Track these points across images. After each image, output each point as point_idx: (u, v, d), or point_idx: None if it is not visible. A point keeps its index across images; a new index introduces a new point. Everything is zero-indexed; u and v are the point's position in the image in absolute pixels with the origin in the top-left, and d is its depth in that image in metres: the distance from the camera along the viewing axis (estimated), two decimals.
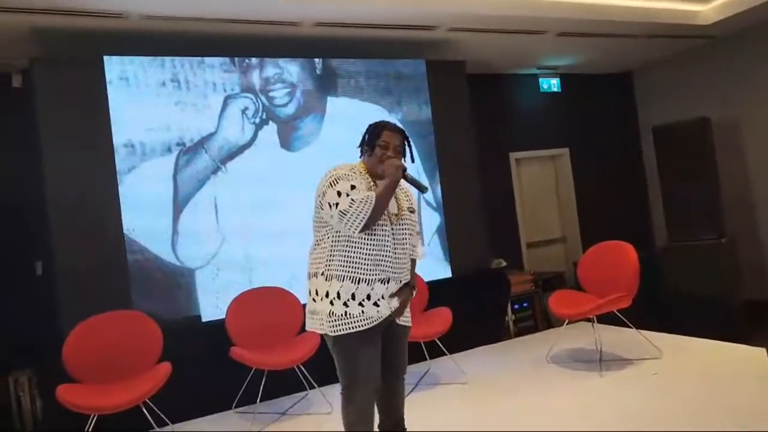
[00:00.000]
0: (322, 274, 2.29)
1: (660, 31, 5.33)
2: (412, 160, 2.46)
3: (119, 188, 3.79)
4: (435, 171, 4.89)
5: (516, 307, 5.30)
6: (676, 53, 6.19)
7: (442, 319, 3.83)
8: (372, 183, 2.35)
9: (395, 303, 2.34)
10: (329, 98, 4.55)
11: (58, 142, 3.68)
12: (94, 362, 3.20)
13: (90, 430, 3.02)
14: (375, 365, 2.31)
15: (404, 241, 2.37)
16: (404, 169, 2.32)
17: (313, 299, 2.34)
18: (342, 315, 2.24)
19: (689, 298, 4.88)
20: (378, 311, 2.28)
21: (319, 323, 2.31)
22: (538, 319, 5.43)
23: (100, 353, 3.24)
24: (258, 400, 3.48)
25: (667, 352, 3.95)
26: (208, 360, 3.62)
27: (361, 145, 2.43)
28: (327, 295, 2.26)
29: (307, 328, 2.41)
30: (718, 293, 4.76)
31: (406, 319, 2.47)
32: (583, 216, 6.55)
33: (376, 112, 4.65)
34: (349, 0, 3.87)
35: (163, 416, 3.29)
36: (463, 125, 5.07)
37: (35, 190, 3.84)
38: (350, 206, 2.19)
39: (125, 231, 3.78)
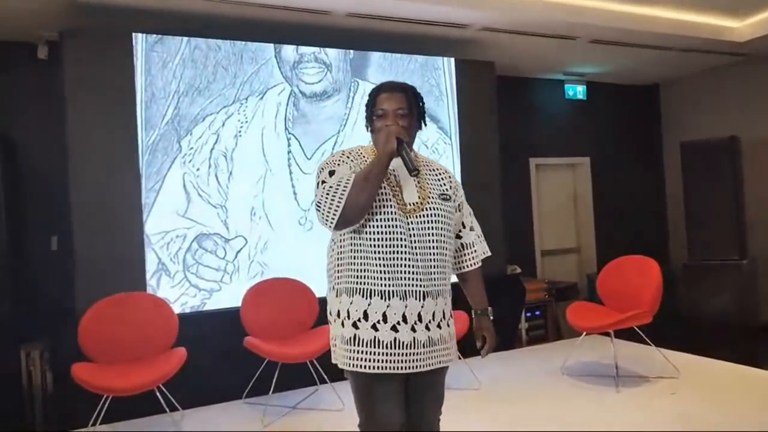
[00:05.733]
0: (333, 288, 1.85)
1: (693, 45, 5.25)
2: (424, 123, 1.93)
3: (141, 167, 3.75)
4: (458, 172, 4.83)
5: (528, 315, 5.25)
6: (706, 69, 6.11)
7: (460, 323, 3.77)
8: None
9: (436, 332, 1.78)
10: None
11: (82, 115, 3.63)
12: (108, 342, 3.17)
13: (103, 410, 2.99)
14: (396, 410, 1.80)
15: (431, 240, 1.77)
16: (400, 140, 1.75)
17: (330, 321, 1.89)
18: (350, 340, 1.76)
19: (706, 317, 4.83)
20: (400, 354, 1.73)
21: (334, 351, 1.87)
22: (549, 329, 5.38)
23: (116, 334, 3.21)
24: (270, 392, 3.44)
25: (684, 372, 3.89)
26: (221, 348, 3.59)
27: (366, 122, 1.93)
28: (338, 315, 1.82)
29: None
30: (736, 315, 4.71)
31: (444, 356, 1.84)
32: (599, 227, 6.48)
33: None
34: None
35: (174, 401, 3.25)
36: (488, 127, 5.00)
37: (54, 162, 3.81)
38: (323, 195, 1.73)
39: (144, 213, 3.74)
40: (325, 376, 3.65)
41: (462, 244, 1.97)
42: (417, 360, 1.77)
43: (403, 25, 4.34)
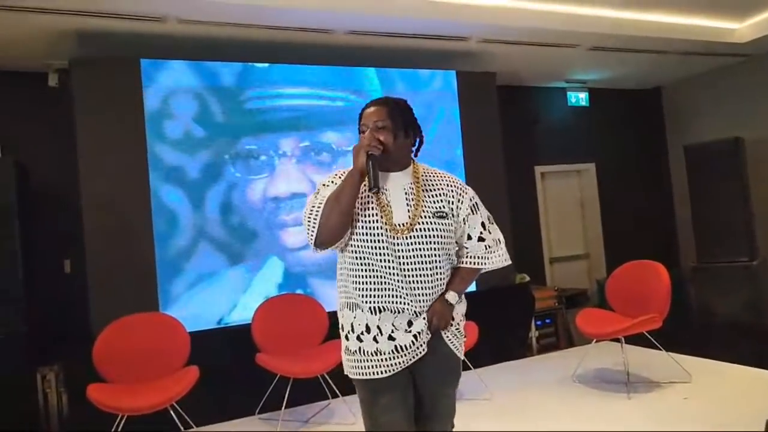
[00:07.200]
0: (339, 303, 1.92)
1: (694, 49, 5.27)
2: (419, 140, 1.90)
3: (150, 190, 3.83)
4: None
5: (539, 323, 5.24)
6: (707, 71, 6.13)
7: (468, 333, 3.77)
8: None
9: (422, 335, 1.80)
10: None
11: (93, 141, 3.74)
12: (123, 362, 3.22)
13: (119, 430, 3.03)
14: (396, 419, 1.82)
15: (420, 260, 1.77)
16: (369, 154, 1.74)
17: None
18: (355, 351, 1.82)
19: (717, 319, 4.80)
20: (393, 356, 1.79)
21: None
22: (560, 337, 5.36)
23: (130, 354, 3.26)
24: (283, 408, 3.47)
25: (696, 376, 3.86)
26: (233, 365, 3.63)
27: None
28: (342, 328, 1.89)
29: None
30: (747, 316, 4.67)
31: (451, 340, 1.87)
32: (607, 232, 6.48)
33: None
34: (381, 9, 3.88)
35: (188, 419, 3.29)
36: (491, 137, 5.04)
37: (66, 188, 3.90)
38: (304, 217, 1.80)
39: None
40: (337, 390, 3.66)
41: (465, 250, 1.91)
42: (403, 362, 1.80)
43: (404, 40, 4.41)
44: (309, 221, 1.79)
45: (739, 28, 5.14)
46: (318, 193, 1.84)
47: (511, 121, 5.63)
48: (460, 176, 4.80)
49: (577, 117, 6.46)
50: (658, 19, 4.77)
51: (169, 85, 3.94)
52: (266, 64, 4.26)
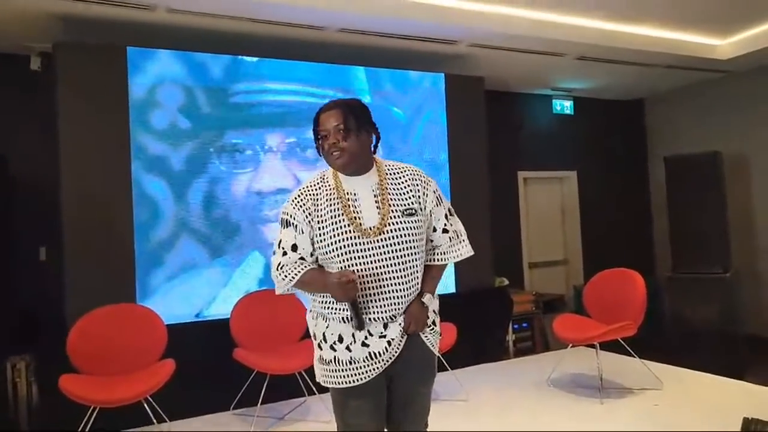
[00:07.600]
0: (310, 311, 1.92)
1: (677, 63, 5.37)
2: (376, 138, 1.89)
3: (132, 180, 3.78)
4: (446, 185, 4.89)
5: (516, 327, 5.30)
6: (689, 85, 6.25)
7: (446, 334, 3.80)
8: (341, 194, 1.82)
9: (395, 338, 1.80)
10: None
11: (74, 127, 3.66)
12: (97, 354, 3.18)
13: (90, 422, 2.98)
14: (366, 422, 1.83)
15: (393, 263, 1.77)
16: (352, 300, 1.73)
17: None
18: (330, 361, 1.82)
19: (691, 329, 4.90)
20: (367, 364, 1.79)
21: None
22: (537, 341, 5.43)
23: (104, 345, 3.22)
24: (259, 404, 3.45)
25: (667, 383, 3.95)
26: (210, 359, 3.59)
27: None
28: (314, 336, 1.89)
29: None
30: (720, 327, 4.78)
31: (428, 337, 1.89)
32: (586, 239, 6.57)
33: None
34: (373, 9, 3.89)
35: (161, 413, 3.25)
36: (477, 141, 5.08)
37: (44, 174, 3.82)
38: (275, 270, 1.85)
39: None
40: (314, 388, 3.65)
41: (433, 245, 1.93)
42: (377, 368, 1.80)
43: (395, 40, 4.42)
44: (279, 280, 1.84)
45: (721, 45, 5.25)
46: (280, 241, 1.87)
47: (497, 126, 5.67)
48: (444, 178, 4.88)
49: (561, 125, 6.54)
50: (643, 33, 4.85)
51: (156, 74, 3.89)
52: (255, 59, 4.23)
